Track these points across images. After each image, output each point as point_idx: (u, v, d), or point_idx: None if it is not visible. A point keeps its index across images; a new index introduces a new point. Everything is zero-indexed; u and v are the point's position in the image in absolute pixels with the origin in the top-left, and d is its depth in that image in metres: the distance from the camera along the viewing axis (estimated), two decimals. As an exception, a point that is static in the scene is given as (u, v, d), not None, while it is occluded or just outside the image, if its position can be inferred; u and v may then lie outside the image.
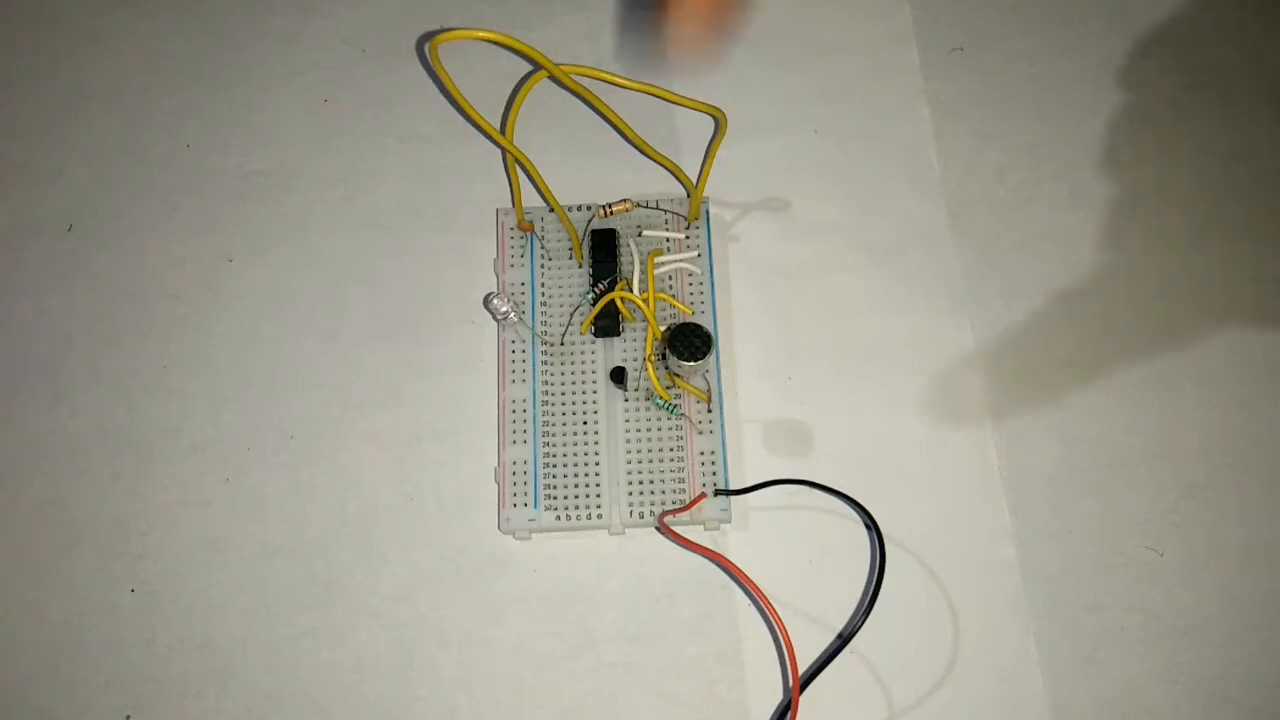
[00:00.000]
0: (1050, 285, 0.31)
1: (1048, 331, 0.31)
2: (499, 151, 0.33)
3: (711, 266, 0.31)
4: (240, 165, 0.34)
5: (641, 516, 0.29)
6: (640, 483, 0.29)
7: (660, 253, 0.31)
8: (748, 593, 0.28)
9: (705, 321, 0.30)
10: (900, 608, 0.28)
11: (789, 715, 0.26)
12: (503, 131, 0.31)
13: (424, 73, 0.35)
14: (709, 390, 0.30)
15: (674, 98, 0.33)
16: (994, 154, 0.33)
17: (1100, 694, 0.27)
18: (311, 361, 0.31)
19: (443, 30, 0.33)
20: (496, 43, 0.30)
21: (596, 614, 0.28)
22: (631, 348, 0.30)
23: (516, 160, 0.31)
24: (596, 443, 0.29)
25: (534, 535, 0.29)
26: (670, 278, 0.31)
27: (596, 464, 0.29)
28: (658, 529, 0.29)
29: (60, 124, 0.34)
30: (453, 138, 0.34)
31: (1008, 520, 0.29)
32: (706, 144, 0.33)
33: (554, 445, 0.29)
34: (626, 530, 0.29)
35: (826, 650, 0.27)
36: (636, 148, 0.33)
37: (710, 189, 0.32)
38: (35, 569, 0.29)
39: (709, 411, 0.29)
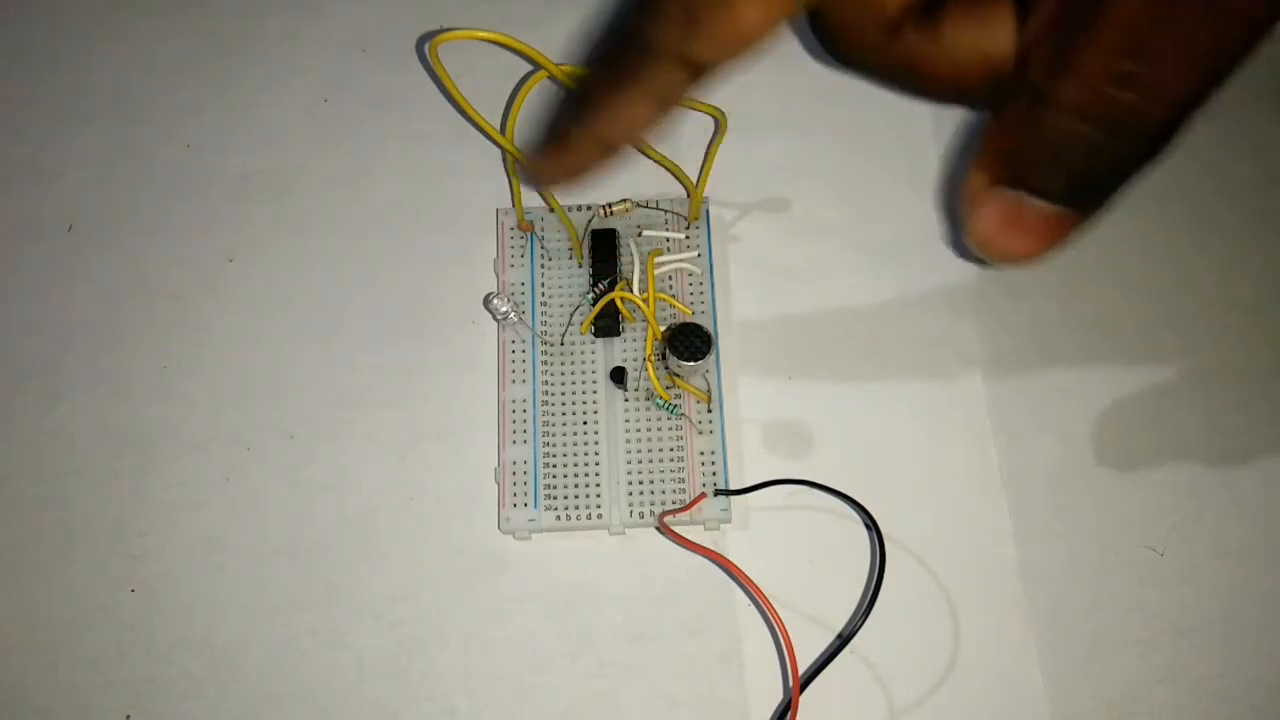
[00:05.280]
0: (1050, 285, 0.31)
1: (1048, 331, 0.31)
2: (499, 151, 0.33)
3: (711, 266, 0.31)
4: (240, 165, 0.34)
5: (641, 516, 0.29)
6: (640, 483, 0.29)
7: (660, 253, 0.31)
8: (748, 593, 0.28)
9: (705, 321, 0.30)
10: (900, 608, 0.28)
11: (789, 715, 0.26)
12: (503, 131, 0.31)
13: (424, 73, 0.35)
14: (709, 390, 0.30)
15: (674, 98, 0.33)
16: (994, 154, 0.33)
17: (1100, 694, 0.27)
18: (311, 361, 0.31)
19: (443, 30, 0.33)
20: (496, 43, 0.30)
21: (596, 614, 0.28)
22: (631, 348, 0.30)
23: (517, 160, 0.31)
24: (596, 443, 0.29)
25: (534, 535, 0.29)
26: (670, 278, 0.31)
27: (596, 464, 0.29)
28: (658, 529, 0.29)
29: (60, 124, 0.34)
30: (453, 138, 0.34)
31: (1008, 520, 0.29)
32: (706, 144, 0.33)
33: (554, 445, 0.29)
34: (626, 530, 0.29)
35: (826, 650, 0.27)
36: (636, 147, 0.33)
37: (710, 189, 0.32)
38: (35, 569, 0.29)
39: (709, 411, 0.29)
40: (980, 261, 0.27)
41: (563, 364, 0.30)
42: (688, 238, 0.31)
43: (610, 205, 0.31)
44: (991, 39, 0.23)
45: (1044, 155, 0.22)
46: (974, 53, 0.23)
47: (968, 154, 0.32)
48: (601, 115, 0.23)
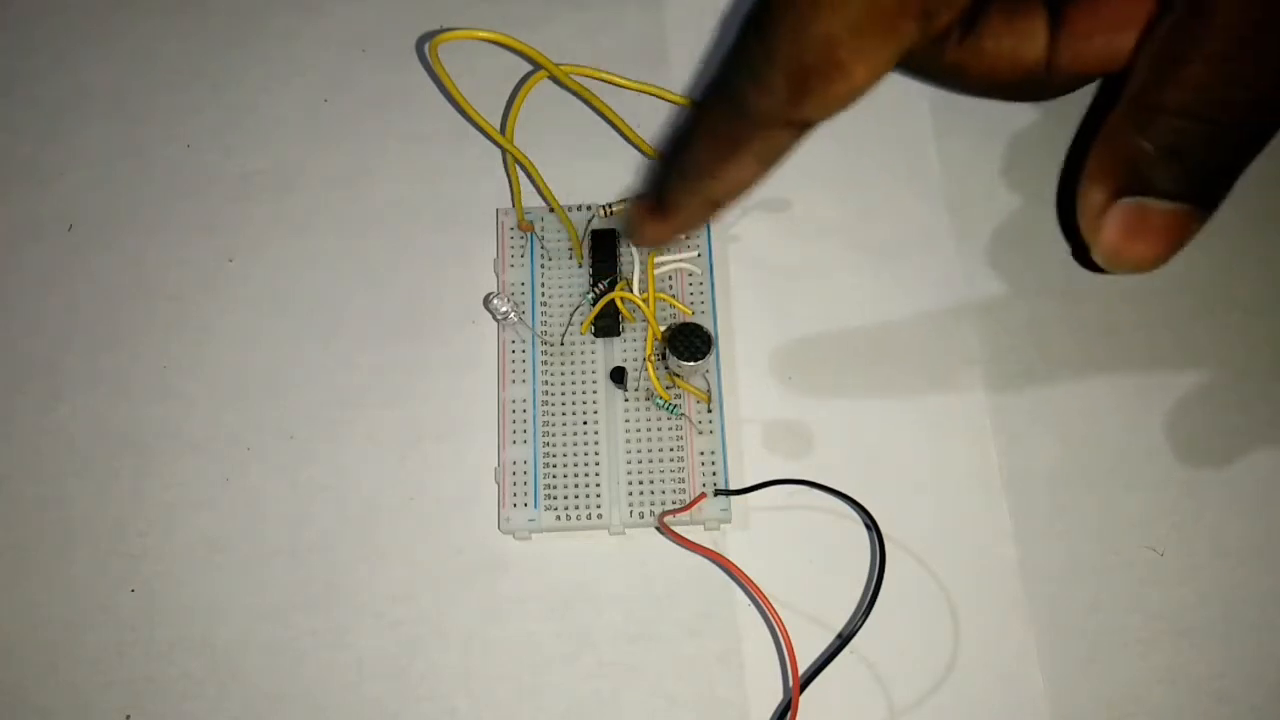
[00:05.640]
0: (1050, 285, 0.31)
1: (1048, 331, 0.31)
2: (499, 151, 0.33)
3: (711, 266, 0.31)
4: (240, 165, 0.34)
5: (641, 516, 0.29)
6: (640, 483, 0.29)
7: (660, 253, 0.31)
8: (748, 593, 0.28)
9: (705, 321, 0.30)
10: (900, 608, 0.28)
11: (789, 715, 0.26)
12: (503, 131, 0.31)
13: (424, 73, 0.35)
14: (709, 390, 0.30)
15: (674, 97, 0.33)
16: (994, 153, 0.33)
17: (1100, 694, 0.27)
18: (311, 361, 0.31)
19: (443, 30, 0.33)
20: (496, 43, 0.30)
21: (596, 614, 0.28)
22: (631, 348, 0.30)
23: (516, 160, 0.31)
24: (596, 443, 0.29)
25: (534, 535, 0.29)
26: (670, 278, 0.31)
27: (596, 464, 0.29)
28: (658, 529, 0.29)
29: (60, 124, 0.34)
30: (453, 138, 0.34)
31: (1008, 520, 0.29)
32: (706, 144, 0.33)
33: (554, 445, 0.29)
34: (626, 530, 0.29)
35: (826, 650, 0.27)
36: (636, 148, 0.33)
37: (710, 189, 0.32)
38: (35, 569, 0.29)
39: (709, 411, 0.29)
40: (1102, 272, 0.27)
41: (563, 364, 0.30)
42: (688, 237, 0.31)
43: (610, 205, 0.31)
44: (1025, 48, 0.25)
45: (1161, 156, 0.22)
46: (1010, 60, 0.25)
47: (969, 159, 0.32)
48: (709, 181, 0.24)
